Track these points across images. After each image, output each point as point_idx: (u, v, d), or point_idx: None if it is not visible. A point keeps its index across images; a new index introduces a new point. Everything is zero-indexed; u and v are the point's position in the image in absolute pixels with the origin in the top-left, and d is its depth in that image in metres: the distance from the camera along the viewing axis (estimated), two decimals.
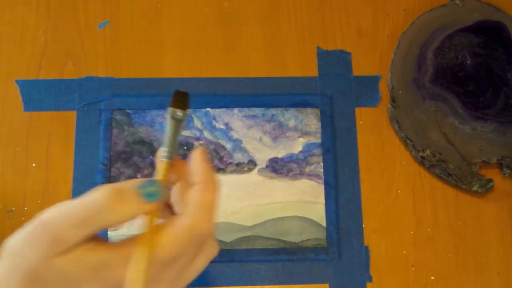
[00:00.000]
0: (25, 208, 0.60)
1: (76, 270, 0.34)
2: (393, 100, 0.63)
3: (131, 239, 0.36)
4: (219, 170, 0.61)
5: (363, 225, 0.60)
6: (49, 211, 0.35)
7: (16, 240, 0.35)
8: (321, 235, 0.60)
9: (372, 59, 0.66)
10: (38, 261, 0.34)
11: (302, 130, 0.63)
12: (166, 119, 0.48)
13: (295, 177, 0.62)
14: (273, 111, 0.64)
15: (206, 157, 0.40)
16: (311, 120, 0.63)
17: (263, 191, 0.61)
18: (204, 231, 0.39)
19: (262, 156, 0.62)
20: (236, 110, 0.63)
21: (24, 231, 0.35)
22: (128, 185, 0.37)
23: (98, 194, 0.35)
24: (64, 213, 0.35)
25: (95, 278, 0.35)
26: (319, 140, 0.63)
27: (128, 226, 0.59)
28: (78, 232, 0.35)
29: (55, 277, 0.34)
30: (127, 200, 0.36)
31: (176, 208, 0.42)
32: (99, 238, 0.37)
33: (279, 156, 0.62)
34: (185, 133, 0.63)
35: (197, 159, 0.40)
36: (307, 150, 0.62)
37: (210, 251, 0.47)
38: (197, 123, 0.63)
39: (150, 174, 0.61)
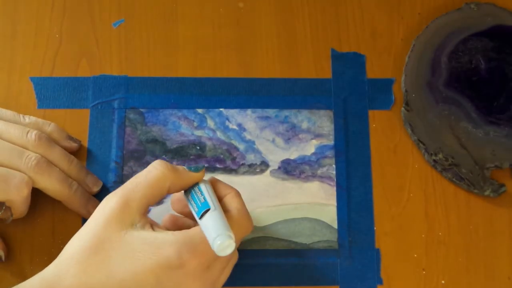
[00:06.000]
0: (37, 207, 0.60)
1: (137, 244, 0.44)
2: (406, 103, 0.63)
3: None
4: (232, 171, 0.62)
5: (375, 228, 0.61)
6: (128, 188, 0.47)
7: (103, 213, 0.45)
8: (332, 237, 0.60)
9: (386, 62, 0.66)
10: (112, 233, 0.44)
11: (315, 132, 0.63)
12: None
13: (307, 179, 0.62)
14: (286, 112, 0.64)
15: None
16: (324, 122, 0.64)
17: (275, 192, 0.61)
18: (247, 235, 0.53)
19: (275, 157, 0.62)
20: (249, 111, 0.64)
21: (108, 207, 0.45)
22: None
23: (157, 170, 0.48)
24: (138, 189, 0.46)
25: (151, 252, 0.43)
26: (331, 142, 0.63)
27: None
28: (146, 202, 0.47)
29: (120, 247, 0.43)
30: (180, 171, 0.49)
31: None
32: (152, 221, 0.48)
33: (292, 157, 0.62)
34: (198, 132, 0.63)
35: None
36: (320, 152, 0.63)
37: (235, 258, 0.53)
38: (210, 123, 0.63)
39: None
